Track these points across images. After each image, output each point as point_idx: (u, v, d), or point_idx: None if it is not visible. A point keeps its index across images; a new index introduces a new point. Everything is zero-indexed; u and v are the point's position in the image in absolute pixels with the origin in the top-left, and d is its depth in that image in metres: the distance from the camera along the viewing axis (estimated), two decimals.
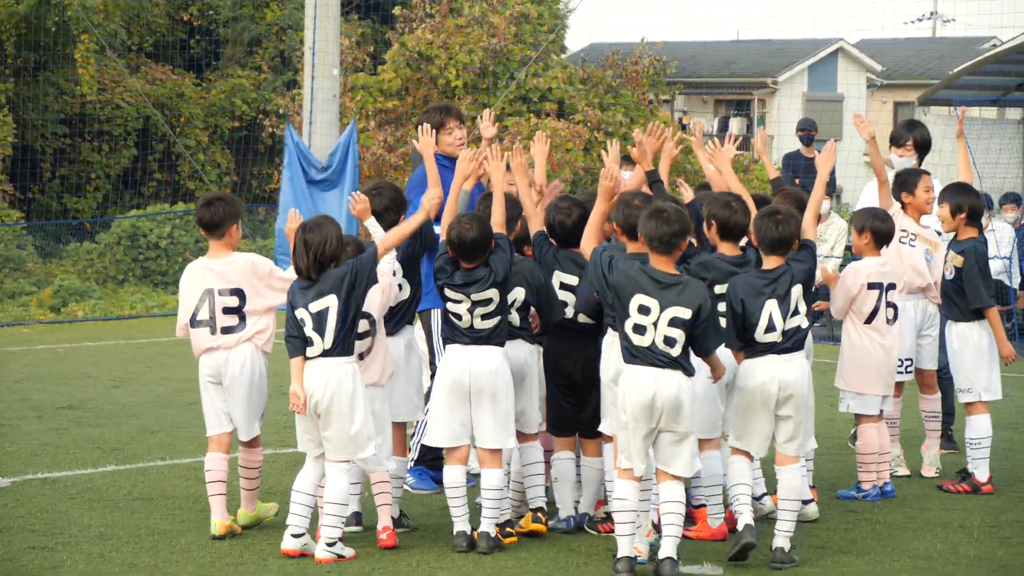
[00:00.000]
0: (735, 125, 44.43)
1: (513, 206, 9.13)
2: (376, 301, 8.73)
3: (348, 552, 8.49)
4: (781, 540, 8.43)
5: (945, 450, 11.44)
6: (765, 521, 9.10)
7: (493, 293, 8.70)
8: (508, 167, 9.31)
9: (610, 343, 8.75)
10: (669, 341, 8.08)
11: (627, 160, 13.85)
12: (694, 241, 8.83)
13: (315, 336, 8.46)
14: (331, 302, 8.45)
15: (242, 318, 8.98)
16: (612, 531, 8.49)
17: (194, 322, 9.03)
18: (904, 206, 10.83)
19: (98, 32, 28.85)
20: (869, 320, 10.14)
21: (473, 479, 9.31)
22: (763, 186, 25.34)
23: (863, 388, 10.15)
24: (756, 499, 9.17)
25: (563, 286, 9.07)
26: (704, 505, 9.05)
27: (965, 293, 10.45)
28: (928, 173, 10.92)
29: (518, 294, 8.97)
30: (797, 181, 18.10)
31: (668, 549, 8.09)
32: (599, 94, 29.42)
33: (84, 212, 30.00)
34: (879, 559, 8.61)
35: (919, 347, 10.87)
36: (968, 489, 10.40)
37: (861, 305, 10.13)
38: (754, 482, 9.01)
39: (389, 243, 8.75)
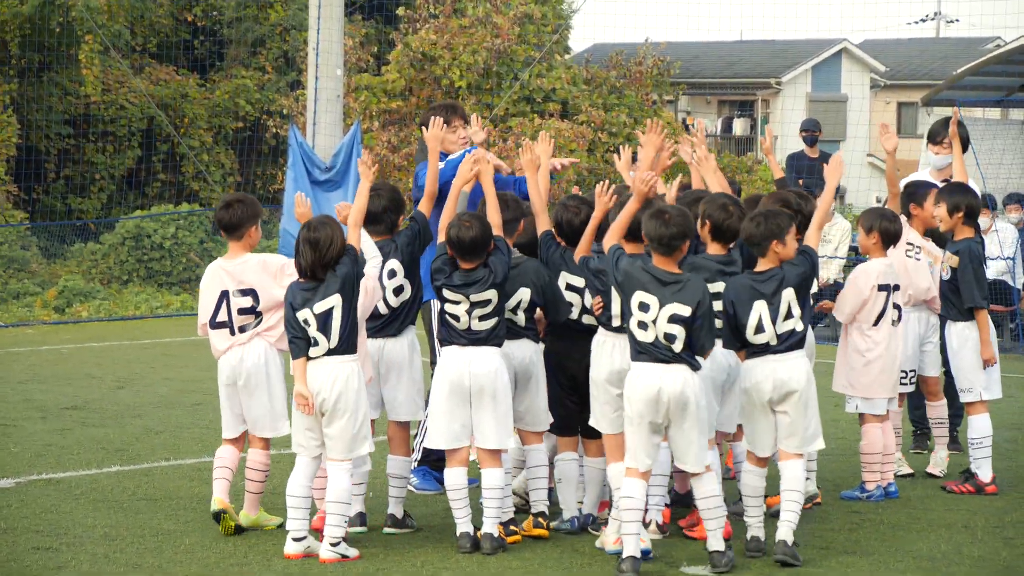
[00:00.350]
0: (739, 126, 44.45)
1: (516, 207, 9.14)
2: (359, 302, 8.73)
3: (352, 552, 8.50)
4: (784, 533, 8.49)
5: (951, 451, 11.45)
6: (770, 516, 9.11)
7: (492, 294, 8.70)
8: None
9: (601, 342, 8.77)
10: (669, 337, 8.14)
11: (635, 160, 13.83)
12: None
13: (320, 336, 8.47)
14: (336, 302, 8.47)
15: (257, 317, 9.05)
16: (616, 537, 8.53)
17: (213, 323, 9.11)
18: (910, 218, 10.84)
19: (102, 33, 28.86)
20: (876, 322, 10.14)
21: (475, 480, 9.31)
22: (766, 187, 25.31)
23: (870, 393, 10.16)
24: (735, 502, 9.25)
25: (569, 287, 9.07)
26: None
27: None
28: (938, 187, 10.93)
29: (523, 294, 8.97)
30: (801, 182, 18.08)
31: (713, 541, 8.27)
32: (603, 95, 29.41)
33: (88, 213, 30.01)
34: (883, 560, 8.61)
35: (922, 354, 10.88)
36: (972, 490, 10.40)
37: (871, 308, 10.13)
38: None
39: (354, 221, 8.73)
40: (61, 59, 29.49)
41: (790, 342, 8.54)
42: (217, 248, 26.65)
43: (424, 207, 9.25)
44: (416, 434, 10.32)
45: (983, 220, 11.05)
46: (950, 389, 11.24)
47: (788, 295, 8.53)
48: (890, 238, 10.23)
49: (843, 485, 10.51)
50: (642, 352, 8.21)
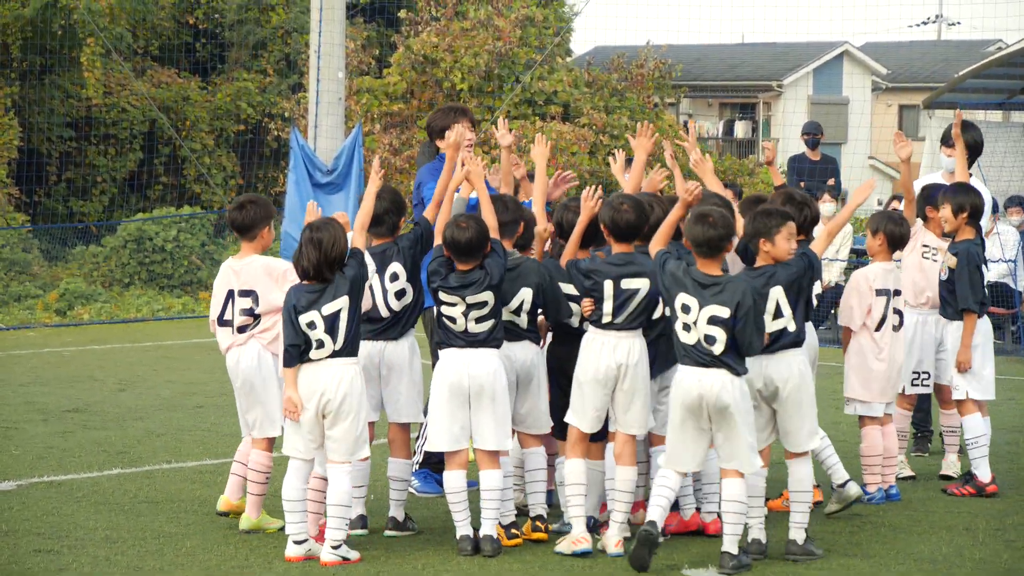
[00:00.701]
0: (740, 128, 44.47)
1: (516, 209, 9.15)
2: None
3: (353, 555, 8.51)
4: (795, 532, 8.58)
5: (916, 453, 11.49)
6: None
7: (488, 296, 8.70)
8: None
9: (590, 339, 8.77)
10: (709, 339, 8.21)
11: (630, 163, 13.84)
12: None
13: (327, 338, 8.47)
14: (343, 304, 8.49)
15: (256, 319, 9.09)
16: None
17: (221, 321, 9.21)
18: (927, 220, 10.88)
19: (104, 36, 28.87)
20: (877, 328, 10.15)
21: (475, 483, 9.32)
22: (767, 189, 25.32)
23: (866, 398, 10.18)
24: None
25: (567, 297, 9.07)
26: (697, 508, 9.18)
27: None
28: None
29: (525, 295, 8.97)
30: (803, 184, 18.10)
31: (727, 544, 8.29)
32: (604, 97, 29.43)
33: (90, 215, 30.02)
34: (884, 562, 8.61)
35: (937, 362, 10.83)
36: (972, 492, 10.40)
37: (873, 313, 10.13)
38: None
39: (360, 224, 8.78)
40: (63, 62, 29.50)
41: (782, 342, 8.58)
42: (219, 251, 26.65)
43: (430, 214, 9.21)
44: (418, 436, 10.32)
45: (984, 223, 11.04)
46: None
47: (776, 293, 8.55)
48: (895, 241, 10.24)
49: None
50: (684, 355, 8.31)
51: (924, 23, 57.88)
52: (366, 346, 8.96)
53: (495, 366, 8.74)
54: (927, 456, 11.73)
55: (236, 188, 31.60)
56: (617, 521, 8.70)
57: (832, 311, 19.38)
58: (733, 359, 8.23)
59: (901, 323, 10.28)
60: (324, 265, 8.48)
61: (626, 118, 28.48)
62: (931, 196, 10.95)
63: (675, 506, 9.32)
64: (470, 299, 8.70)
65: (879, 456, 10.18)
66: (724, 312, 8.19)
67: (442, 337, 8.84)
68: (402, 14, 29.70)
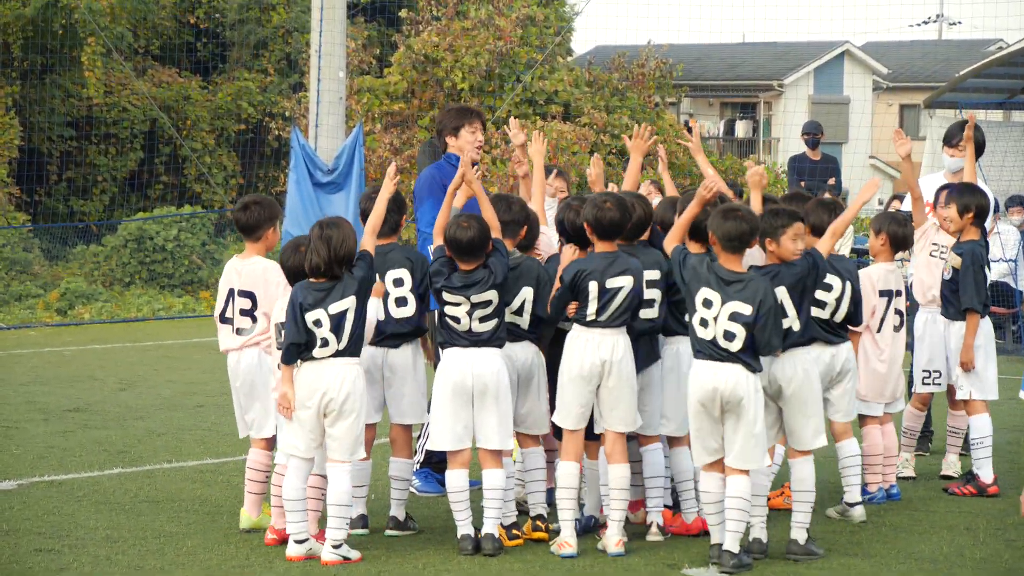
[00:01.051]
0: (741, 128, 44.47)
1: (521, 210, 9.14)
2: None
3: (354, 554, 8.50)
4: (796, 532, 8.60)
5: (918, 453, 11.50)
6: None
7: (492, 295, 8.70)
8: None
9: (575, 336, 8.77)
10: (728, 336, 8.24)
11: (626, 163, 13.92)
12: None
13: (331, 336, 8.47)
14: (351, 303, 8.49)
15: (254, 320, 9.09)
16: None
17: (223, 319, 9.21)
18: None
19: (105, 35, 28.88)
20: (878, 329, 10.15)
21: (476, 482, 9.31)
22: (767, 189, 25.32)
23: (867, 397, 10.19)
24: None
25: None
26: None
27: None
28: None
29: (527, 294, 8.97)
30: (803, 184, 18.10)
31: (729, 542, 8.29)
32: (605, 96, 29.43)
33: (91, 215, 30.04)
34: (884, 562, 8.61)
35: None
36: (973, 491, 10.39)
37: (875, 314, 10.13)
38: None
39: (371, 227, 8.78)
40: (64, 61, 29.52)
41: (787, 341, 8.56)
42: (219, 250, 26.67)
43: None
44: (419, 436, 10.32)
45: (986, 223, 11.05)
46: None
47: (780, 293, 8.55)
48: (898, 242, 10.25)
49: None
50: (700, 350, 8.33)
51: (925, 23, 57.95)
52: (368, 350, 8.95)
53: (499, 365, 8.74)
54: (927, 456, 11.73)
55: (237, 188, 31.62)
56: (615, 520, 8.70)
57: None
58: (750, 356, 8.27)
59: (902, 323, 10.28)
60: (334, 262, 8.48)
61: (627, 118, 28.48)
62: (939, 196, 10.95)
63: (676, 506, 9.32)
64: (475, 298, 8.69)
65: (880, 455, 10.18)
66: (746, 309, 8.23)
67: (445, 337, 8.83)
68: (403, 13, 29.70)
